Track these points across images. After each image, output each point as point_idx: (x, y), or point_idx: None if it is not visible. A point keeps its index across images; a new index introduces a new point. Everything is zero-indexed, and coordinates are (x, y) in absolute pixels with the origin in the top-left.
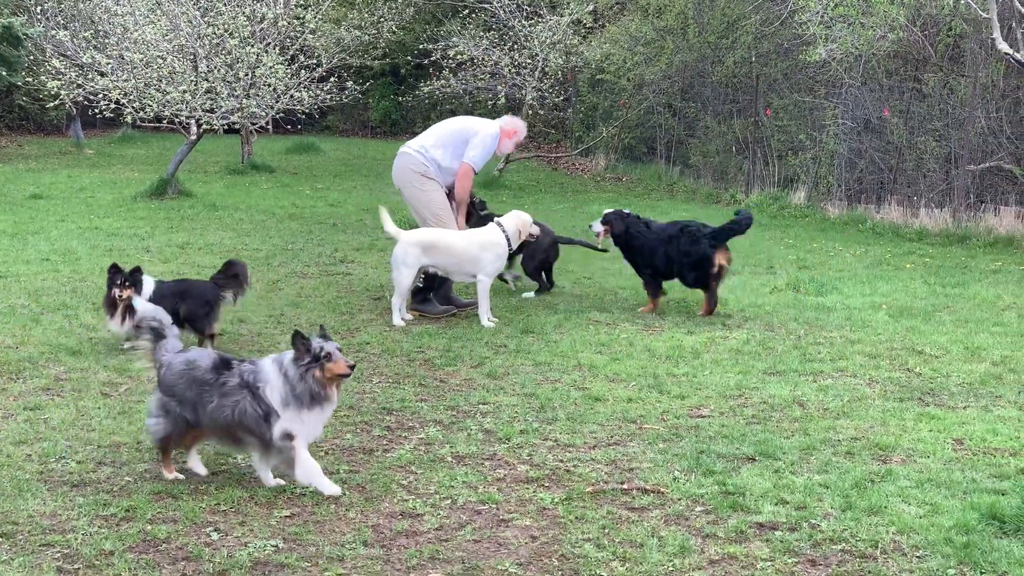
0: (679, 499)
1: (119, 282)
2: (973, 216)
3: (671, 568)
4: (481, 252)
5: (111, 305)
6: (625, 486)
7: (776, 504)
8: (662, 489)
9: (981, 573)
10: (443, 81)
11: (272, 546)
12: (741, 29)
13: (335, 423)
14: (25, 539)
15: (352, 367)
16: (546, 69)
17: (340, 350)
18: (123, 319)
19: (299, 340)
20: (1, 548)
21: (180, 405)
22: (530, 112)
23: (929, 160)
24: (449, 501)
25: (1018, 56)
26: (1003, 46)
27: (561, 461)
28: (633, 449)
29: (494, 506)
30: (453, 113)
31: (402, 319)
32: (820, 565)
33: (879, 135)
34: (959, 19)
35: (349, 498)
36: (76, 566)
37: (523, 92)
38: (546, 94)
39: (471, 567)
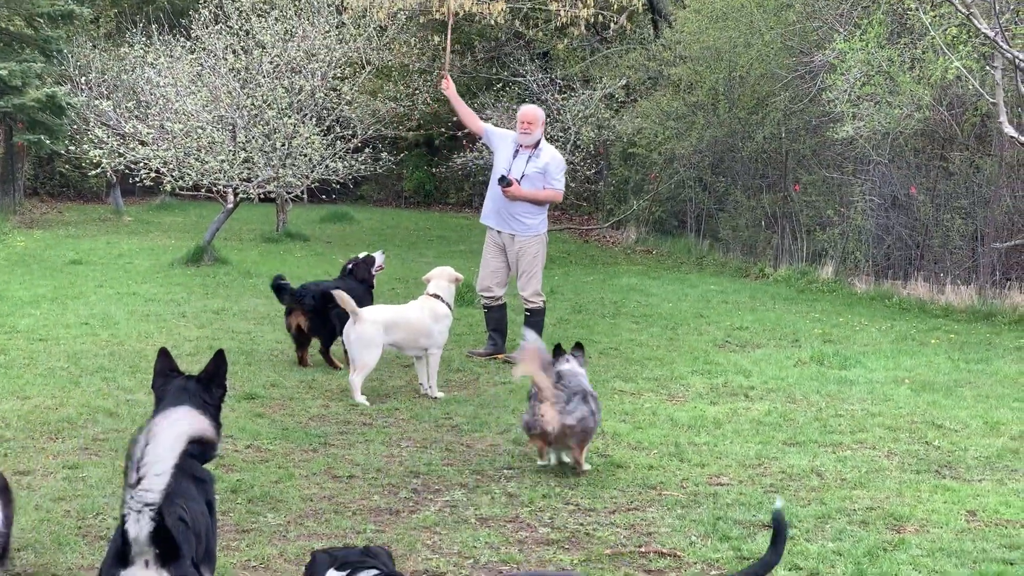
0: (695, 563)
1: None
2: (999, 293)
3: None
4: (434, 324)
5: None
6: (643, 549)
7: (790, 570)
8: (679, 553)
9: None
10: (476, 153)
11: None
12: (770, 106)
13: (363, 485)
14: None
15: None
16: (578, 142)
17: None
18: None
19: None
20: None
21: None
22: None
23: (955, 237)
24: (471, 561)
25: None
26: (1008, 129)
27: (581, 524)
28: (652, 514)
29: (515, 566)
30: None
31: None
32: None
33: (906, 212)
34: (985, 99)
35: None
36: None
37: None
38: (578, 167)
39: None
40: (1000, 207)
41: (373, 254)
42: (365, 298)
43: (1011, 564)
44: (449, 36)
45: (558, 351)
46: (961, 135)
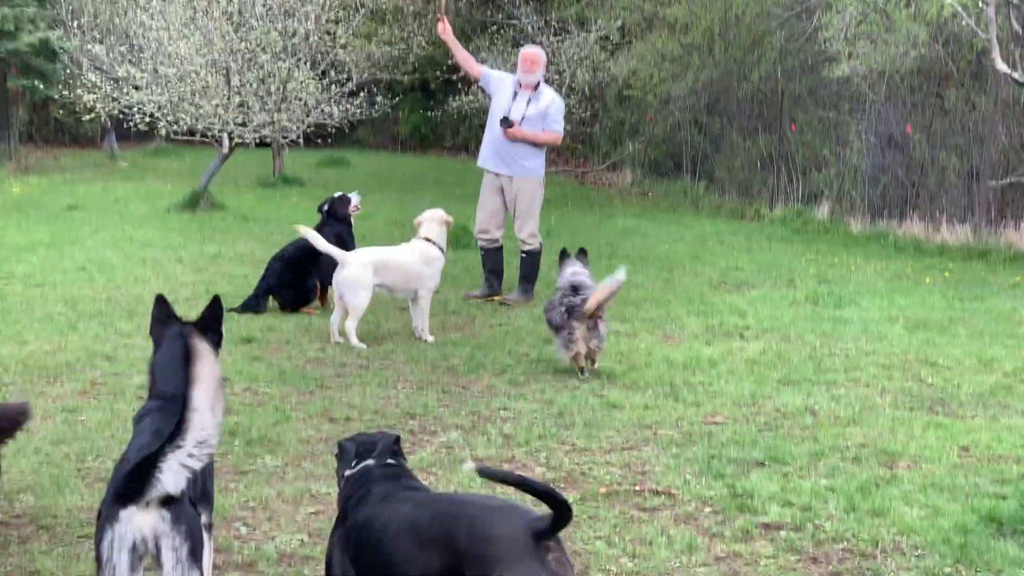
0: (689, 500)
1: None
2: (994, 231)
3: (678, 564)
4: (425, 267)
5: None
6: (637, 488)
7: (782, 506)
8: (673, 491)
9: (976, 571)
10: (471, 96)
11: (298, 540)
12: (766, 45)
13: (360, 427)
14: (64, 531)
15: None
16: (573, 85)
17: None
18: None
19: None
20: (41, 540)
21: None
22: None
23: (951, 176)
24: None
25: (1016, 76)
26: (1002, 66)
27: (577, 464)
28: (647, 453)
29: None
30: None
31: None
32: (821, 562)
33: (902, 151)
34: (980, 36)
35: None
36: None
37: None
38: (573, 109)
39: None
40: (995, 145)
41: (348, 194)
42: (347, 238)
43: (1003, 498)
44: None
45: (564, 254)
46: (957, 73)
